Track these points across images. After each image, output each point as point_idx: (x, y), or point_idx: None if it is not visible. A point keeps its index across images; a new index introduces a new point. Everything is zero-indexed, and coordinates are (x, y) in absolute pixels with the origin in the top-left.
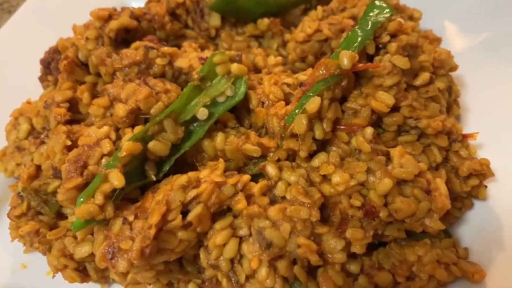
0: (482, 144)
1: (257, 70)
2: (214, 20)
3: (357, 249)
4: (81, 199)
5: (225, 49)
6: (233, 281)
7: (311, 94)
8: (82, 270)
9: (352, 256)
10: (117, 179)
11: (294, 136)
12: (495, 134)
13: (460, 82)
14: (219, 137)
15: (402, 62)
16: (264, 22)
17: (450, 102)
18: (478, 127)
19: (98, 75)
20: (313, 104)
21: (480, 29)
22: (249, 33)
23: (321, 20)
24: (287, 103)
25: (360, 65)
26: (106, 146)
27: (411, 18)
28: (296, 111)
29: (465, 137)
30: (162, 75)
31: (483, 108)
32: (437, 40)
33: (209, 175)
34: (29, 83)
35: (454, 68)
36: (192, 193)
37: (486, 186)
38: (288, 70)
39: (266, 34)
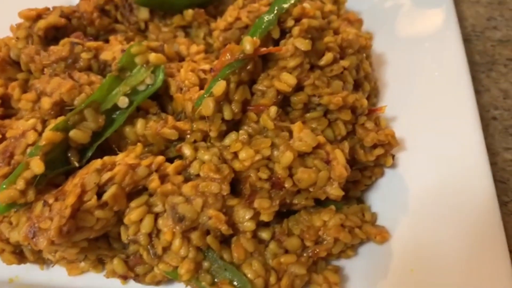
0: (396, 117)
1: (181, 59)
2: (143, 13)
3: (265, 217)
4: (4, 186)
5: (153, 40)
6: (151, 253)
7: (219, 78)
8: (19, 253)
9: (265, 225)
10: (37, 166)
11: (203, 118)
12: (408, 108)
13: (380, 60)
14: (139, 123)
15: (303, 44)
16: (189, 12)
17: (360, 79)
18: (395, 102)
19: (30, 72)
20: (218, 87)
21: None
22: (176, 24)
23: (241, 9)
24: (203, 89)
25: (263, 49)
26: (31, 137)
27: (335, 2)
28: (205, 95)
29: (373, 111)
30: (88, 69)
31: (400, 84)
32: (358, 21)
33: (123, 158)
34: None
35: (366, 47)
36: (106, 176)
37: (393, 155)
38: (212, 57)
39: (193, 24)
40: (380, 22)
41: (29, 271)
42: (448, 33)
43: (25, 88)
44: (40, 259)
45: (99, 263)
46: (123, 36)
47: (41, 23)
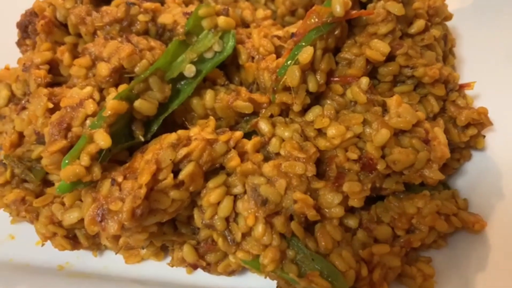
0: (478, 94)
1: (245, 24)
2: None
3: (355, 202)
4: (66, 161)
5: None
6: (229, 240)
7: (304, 44)
8: (72, 237)
9: (350, 211)
10: (103, 139)
11: (287, 89)
12: (491, 84)
13: (454, 33)
14: (209, 94)
15: (397, 8)
16: None
17: (446, 51)
18: (473, 77)
19: (78, 35)
20: (305, 54)
21: None
22: None
23: None
24: (278, 57)
25: (354, 12)
26: (90, 106)
27: None
28: (288, 62)
29: (462, 86)
30: (145, 32)
31: (478, 58)
32: None
33: (199, 132)
34: (6, 48)
35: (449, 17)
36: (182, 151)
37: (484, 136)
38: (278, 24)
39: None
40: None
41: (80, 257)
42: None
43: (74, 53)
44: (94, 245)
45: (161, 251)
46: None
47: None
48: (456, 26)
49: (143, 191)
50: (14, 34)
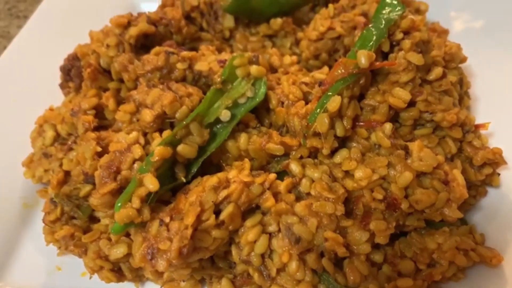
0: (493, 133)
1: (273, 69)
2: (228, 21)
3: (381, 240)
4: (119, 204)
5: (240, 50)
6: (264, 275)
7: (331, 93)
8: (117, 270)
9: (375, 247)
10: (151, 183)
11: (317, 134)
12: (505, 122)
13: (468, 72)
14: (243, 137)
15: (417, 58)
16: (278, 21)
17: (462, 94)
18: (487, 116)
19: (120, 81)
20: (334, 103)
21: (482, 16)
22: (263, 33)
23: (333, 18)
24: (306, 102)
25: (377, 63)
26: (137, 151)
27: (417, 11)
28: (318, 110)
29: (477, 127)
30: (183, 79)
31: (492, 97)
32: (445, 32)
33: (237, 175)
34: (48, 90)
35: (463, 60)
36: (223, 193)
37: (499, 174)
38: (303, 68)
39: (279, 33)
40: (459, 33)
41: None
42: None
43: (117, 98)
44: (137, 277)
45: (198, 283)
46: (213, 45)
47: (133, 31)
48: (470, 66)
49: (189, 231)
50: (54, 76)
